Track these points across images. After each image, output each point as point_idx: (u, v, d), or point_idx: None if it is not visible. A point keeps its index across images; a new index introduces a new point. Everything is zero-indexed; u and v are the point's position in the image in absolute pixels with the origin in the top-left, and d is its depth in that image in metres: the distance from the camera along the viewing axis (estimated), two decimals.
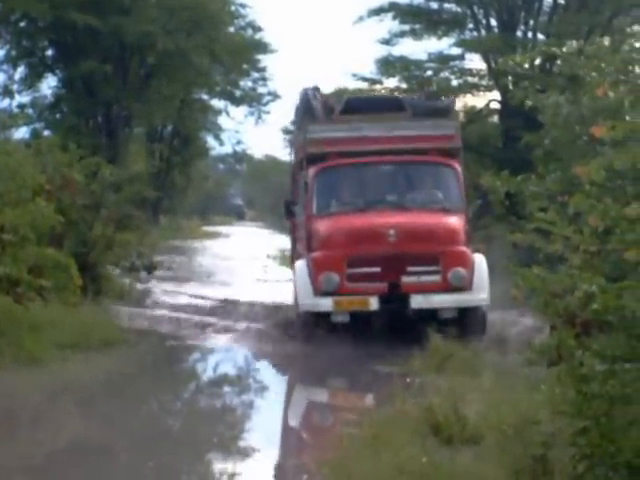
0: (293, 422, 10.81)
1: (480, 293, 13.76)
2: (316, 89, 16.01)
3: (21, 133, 28.82)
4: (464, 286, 13.64)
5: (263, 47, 41.37)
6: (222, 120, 47.61)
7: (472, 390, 9.15)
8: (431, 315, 13.41)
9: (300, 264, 14.16)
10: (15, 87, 35.26)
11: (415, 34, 31.25)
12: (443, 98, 20.35)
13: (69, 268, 13.34)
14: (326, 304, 13.46)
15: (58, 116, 35.34)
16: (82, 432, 9.44)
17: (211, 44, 35.25)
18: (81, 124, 34.29)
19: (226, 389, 12.26)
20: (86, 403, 10.68)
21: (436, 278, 13.68)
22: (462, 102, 28.89)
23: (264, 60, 42.00)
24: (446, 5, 30.94)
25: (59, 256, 13.28)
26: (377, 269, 13.64)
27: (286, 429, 10.18)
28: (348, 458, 7.15)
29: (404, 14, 30.92)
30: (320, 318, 13.59)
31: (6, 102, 34.89)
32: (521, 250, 11.83)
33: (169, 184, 45.80)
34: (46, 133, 32.01)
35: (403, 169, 15.02)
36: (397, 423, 8.00)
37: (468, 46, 30.54)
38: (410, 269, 13.64)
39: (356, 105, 15.54)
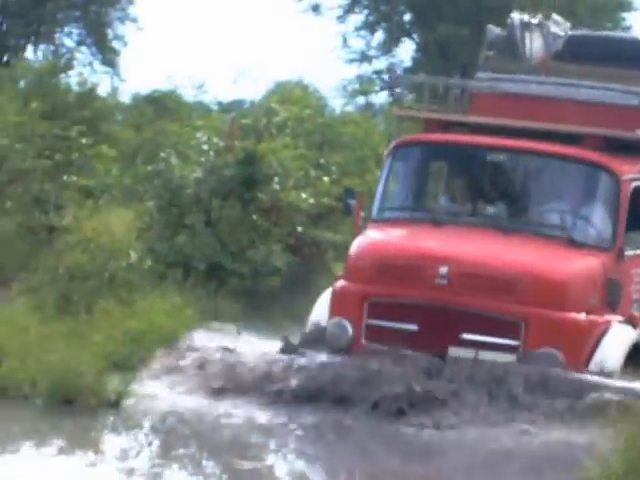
0: None
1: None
2: (539, 18, 10.54)
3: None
4: None
5: (627, 5, 39.67)
6: None
7: None
8: None
9: (322, 296, 9.53)
10: (372, 53, 35.72)
11: None
12: None
13: None
14: None
15: None
16: None
17: (573, 4, 34.17)
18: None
19: None
20: None
21: (507, 359, 8.55)
22: None
23: (628, 18, 40.23)
24: None
25: None
26: (412, 327, 8.75)
27: None
28: None
29: None
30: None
31: (363, 68, 35.45)
32: None
33: None
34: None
35: (530, 165, 9.59)
36: None
37: None
38: (465, 337, 8.63)
39: (584, 46, 10.09)
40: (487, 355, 8.45)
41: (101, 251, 12.25)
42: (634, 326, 8.76)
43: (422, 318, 8.68)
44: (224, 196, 13.02)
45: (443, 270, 8.58)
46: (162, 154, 13.96)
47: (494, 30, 10.48)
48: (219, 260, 12.43)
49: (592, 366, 8.42)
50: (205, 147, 13.58)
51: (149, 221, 13.34)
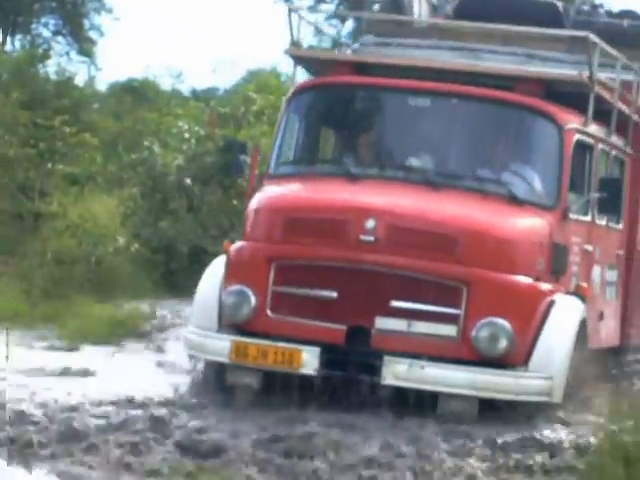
0: None
1: (541, 375, 6.92)
2: None
3: None
4: (506, 356, 6.87)
5: None
6: None
7: None
8: (424, 403, 6.87)
9: (214, 264, 7.74)
10: (343, 41, 35.82)
11: None
12: None
13: None
14: (219, 348, 7.12)
15: None
16: None
17: None
18: None
19: None
20: None
21: (447, 331, 6.94)
22: None
23: None
24: None
25: None
26: (330, 293, 7.01)
27: None
28: None
29: None
30: (219, 376, 7.34)
31: None
32: None
33: None
34: None
35: (458, 112, 7.90)
36: None
37: None
38: (395, 305, 6.95)
39: (479, 8, 8.71)
40: (422, 327, 6.88)
41: (88, 236, 12.68)
42: (582, 299, 7.45)
43: (342, 283, 7.01)
44: (205, 182, 13.41)
45: (370, 224, 6.95)
46: (145, 142, 14.38)
47: None
48: (201, 243, 12.80)
49: (539, 348, 6.98)
50: (187, 135, 14.02)
51: (133, 207, 13.75)
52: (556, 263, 7.41)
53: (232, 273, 7.31)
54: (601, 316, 8.11)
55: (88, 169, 15.68)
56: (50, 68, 20.74)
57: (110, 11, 29.92)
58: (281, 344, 6.97)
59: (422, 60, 8.20)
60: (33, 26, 26.89)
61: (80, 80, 22.40)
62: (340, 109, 8.30)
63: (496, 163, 7.80)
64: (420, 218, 7.11)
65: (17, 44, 26.30)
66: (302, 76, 8.98)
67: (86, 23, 27.84)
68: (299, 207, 7.39)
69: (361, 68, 8.14)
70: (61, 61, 24.20)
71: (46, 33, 27.29)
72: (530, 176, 7.74)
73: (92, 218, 12.96)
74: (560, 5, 9.04)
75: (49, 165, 15.32)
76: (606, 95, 8.00)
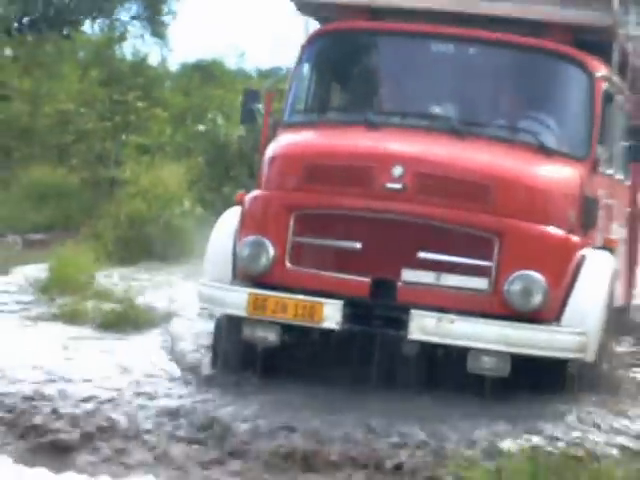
0: None
1: (575, 332, 6.62)
2: None
3: None
4: (538, 311, 6.59)
5: None
6: None
7: None
8: (453, 361, 6.67)
9: (226, 214, 7.46)
10: None
11: None
12: None
13: None
14: (236, 301, 6.75)
15: None
16: None
17: None
18: None
19: None
20: None
21: (477, 284, 6.61)
22: None
23: None
24: None
25: None
26: (354, 244, 6.70)
27: None
28: None
29: None
30: (236, 330, 6.92)
31: None
32: None
33: None
34: None
35: (484, 59, 7.58)
36: None
37: None
38: (423, 256, 6.63)
39: None
40: (451, 280, 6.60)
41: (157, 200, 13.84)
42: (612, 252, 7.29)
43: (367, 234, 6.70)
44: None
45: (397, 171, 6.62)
46: (209, 115, 15.53)
47: None
48: None
49: (573, 303, 6.73)
50: None
51: (198, 174, 14.78)
52: (586, 216, 7.12)
53: (248, 223, 6.93)
54: (618, 274, 7.68)
55: (158, 140, 16.92)
56: (126, 49, 22.07)
57: None
58: (302, 297, 6.61)
59: (445, 2, 7.62)
60: (116, 10, 28.23)
61: (153, 61, 23.67)
62: (358, 56, 7.89)
63: (525, 112, 7.51)
64: (451, 166, 6.75)
65: (96, 27, 27.68)
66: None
67: (164, 8, 29.08)
68: (321, 153, 7.04)
69: (378, 13, 7.76)
70: (136, 43, 25.48)
71: (124, 17, 28.60)
72: (561, 125, 7.41)
73: (161, 184, 13.85)
74: None
75: (123, 136, 16.70)
76: (629, 47, 7.83)
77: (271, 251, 6.75)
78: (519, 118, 7.44)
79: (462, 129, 7.09)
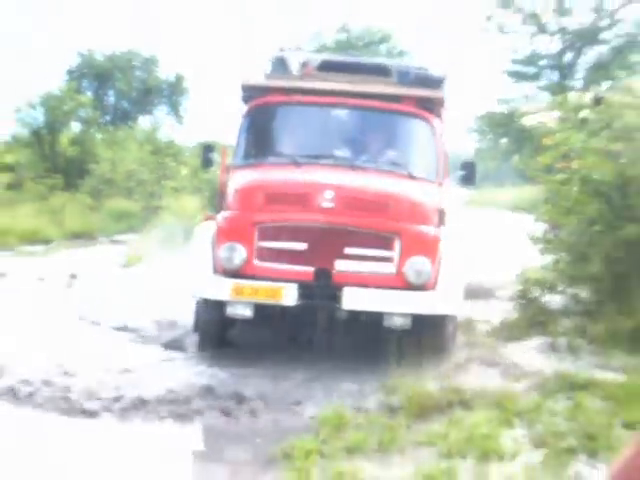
0: None
1: (447, 297, 9.12)
2: (298, 49, 13.09)
3: None
4: (425, 284, 9.02)
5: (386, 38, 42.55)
6: None
7: None
8: (372, 321, 9.02)
9: (199, 230, 9.83)
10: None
11: None
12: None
13: None
14: (222, 290, 8.96)
15: None
16: None
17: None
18: None
19: None
20: None
21: (385, 269, 9.05)
22: None
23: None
24: None
25: None
26: (301, 246, 9.06)
27: None
28: None
29: None
30: (217, 311, 9.26)
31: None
32: None
33: None
34: None
35: (362, 118, 10.41)
36: None
37: None
38: (348, 251, 9.07)
39: (334, 65, 11.18)
40: (368, 266, 9.04)
41: (181, 216, 23.06)
42: (459, 241, 9.93)
43: (309, 238, 9.04)
44: None
45: (329, 195, 9.06)
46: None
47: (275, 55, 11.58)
48: None
49: (441, 277, 9.18)
50: None
51: (205, 203, 25.00)
52: (440, 218, 9.83)
53: (225, 234, 9.18)
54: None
55: (182, 184, 31.99)
56: (162, 133, 37.93)
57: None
58: (267, 283, 8.90)
59: (339, 84, 10.61)
60: (155, 110, 51.51)
61: (178, 139, 38.32)
62: (281, 119, 10.68)
63: (395, 152, 10.31)
64: (363, 190, 9.27)
65: (147, 120, 47.95)
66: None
67: (181, 108, 52.70)
68: (275, 185, 9.41)
69: (290, 91, 10.57)
70: (168, 129, 43.42)
71: (160, 113, 51.15)
72: (419, 159, 10.34)
73: (183, 208, 26.02)
74: (387, 63, 11.56)
75: (162, 182, 32.48)
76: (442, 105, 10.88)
77: (243, 253, 9.11)
78: (391, 156, 10.23)
79: (357, 165, 9.82)
